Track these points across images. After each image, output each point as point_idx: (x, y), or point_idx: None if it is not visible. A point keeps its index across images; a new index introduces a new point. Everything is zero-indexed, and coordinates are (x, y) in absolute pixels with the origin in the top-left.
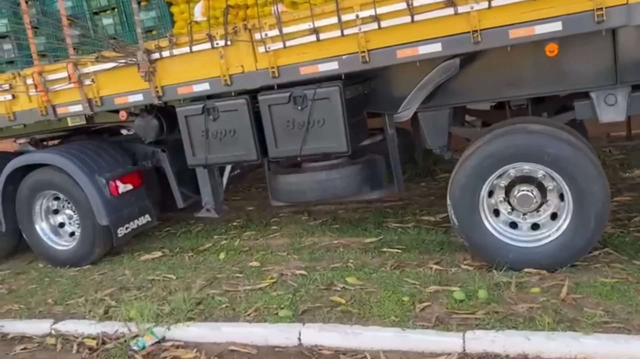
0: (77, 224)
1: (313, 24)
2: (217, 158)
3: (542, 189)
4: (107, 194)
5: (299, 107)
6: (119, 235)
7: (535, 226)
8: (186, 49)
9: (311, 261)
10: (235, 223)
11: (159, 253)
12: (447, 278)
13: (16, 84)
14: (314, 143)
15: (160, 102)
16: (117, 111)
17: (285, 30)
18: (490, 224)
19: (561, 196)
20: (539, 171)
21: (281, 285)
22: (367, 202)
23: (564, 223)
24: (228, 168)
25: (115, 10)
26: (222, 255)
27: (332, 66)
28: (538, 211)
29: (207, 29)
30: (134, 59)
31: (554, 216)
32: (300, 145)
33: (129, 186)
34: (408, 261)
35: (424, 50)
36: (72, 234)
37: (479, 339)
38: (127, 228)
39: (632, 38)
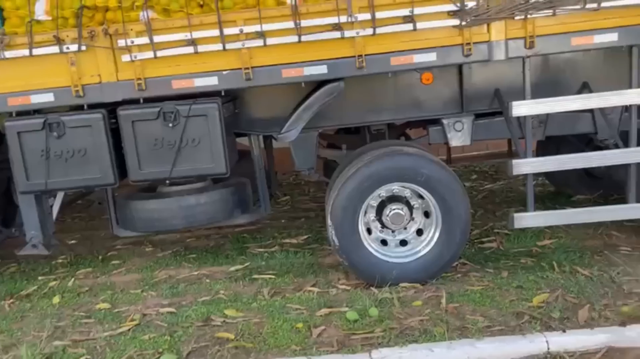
0: None
1: (190, 34)
2: (61, 182)
3: (409, 207)
4: None
5: (170, 124)
6: None
7: (403, 243)
8: (23, 52)
9: (174, 296)
10: (60, 260)
11: None
12: (331, 300)
13: None
14: (187, 164)
15: None
16: None
17: (157, 39)
18: (368, 243)
19: (426, 214)
20: (406, 190)
21: (147, 326)
22: (218, 229)
23: (432, 238)
24: (61, 195)
25: None
26: (55, 299)
27: (211, 81)
28: (405, 228)
29: (52, 29)
30: None
31: (419, 232)
32: (170, 166)
33: None
34: (284, 287)
35: (310, 71)
36: None
37: (386, 357)
38: None
39: (474, 72)
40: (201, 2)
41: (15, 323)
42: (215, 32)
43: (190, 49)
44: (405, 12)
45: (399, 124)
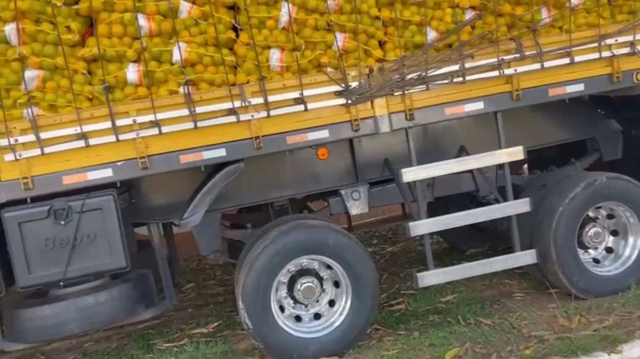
0: None
1: (81, 128)
2: None
3: (319, 279)
4: None
5: (62, 222)
6: None
7: (317, 316)
8: None
9: None
10: None
11: None
12: None
13: None
14: (83, 262)
15: None
16: None
17: (44, 135)
18: (282, 321)
19: (336, 284)
20: (315, 262)
21: None
22: (119, 328)
23: (344, 308)
24: None
25: None
26: None
27: (105, 173)
28: (318, 301)
29: None
30: None
31: (331, 303)
32: (64, 266)
33: None
34: None
35: (209, 155)
36: None
37: None
38: None
39: (364, 145)
40: (90, 96)
41: None
42: (107, 124)
43: (81, 143)
44: (295, 94)
45: (300, 198)
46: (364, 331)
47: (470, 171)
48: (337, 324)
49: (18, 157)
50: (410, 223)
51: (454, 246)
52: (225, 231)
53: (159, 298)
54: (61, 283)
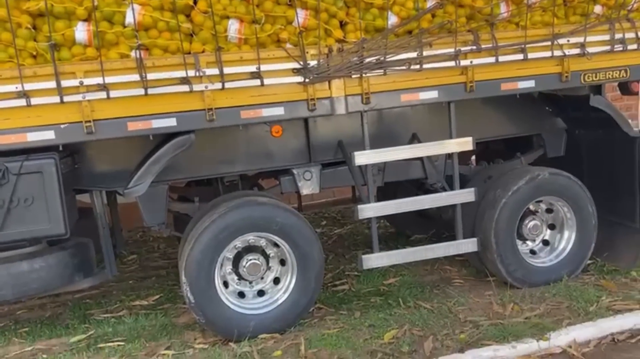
0: None
1: (22, 86)
2: None
3: (265, 257)
4: None
5: None
6: None
7: (260, 293)
8: None
9: None
10: None
11: None
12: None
13: None
14: (18, 226)
15: None
16: None
17: None
18: (225, 297)
19: (282, 262)
20: (262, 239)
21: None
22: (55, 296)
23: (288, 286)
24: None
25: None
26: None
27: (46, 135)
28: (262, 278)
29: None
30: None
31: (276, 281)
32: None
33: None
34: (135, 353)
35: (159, 124)
36: None
37: None
38: None
39: (319, 126)
40: (34, 53)
41: None
42: (52, 84)
43: (22, 102)
44: (252, 68)
45: (251, 175)
46: (307, 310)
47: (421, 158)
48: (280, 302)
49: None
50: (359, 206)
51: (400, 232)
52: (172, 204)
53: (99, 268)
54: None
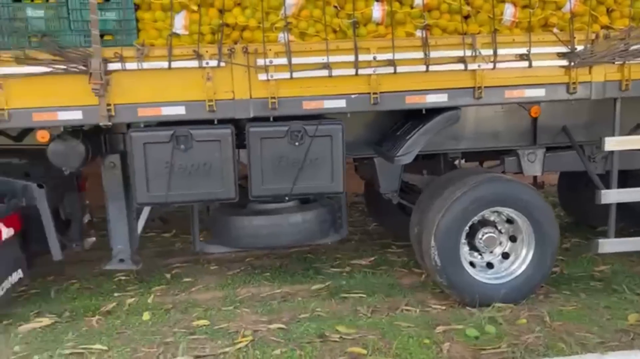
0: None
1: (327, 58)
2: (182, 195)
3: (498, 231)
4: None
5: (296, 143)
6: None
7: (489, 265)
8: (161, 64)
9: (270, 313)
10: (122, 278)
11: (47, 320)
12: (437, 318)
13: None
14: (306, 182)
15: (108, 123)
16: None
17: (294, 60)
18: (467, 264)
19: (512, 238)
20: (494, 214)
21: (265, 342)
22: (271, 250)
23: (524, 260)
24: (146, 211)
25: (50, 1)
26: (146, 316)
27: (338, 104)
28: (492, 251)
29: (188, 44)
30: (83, 67)
31: (504, 255)
32: (291, 183)
33: (12, 232)
34: (379, 306)
35: (432, 99)
36: None
37: None
38: (2, 289)
39: (545, 109)
40: (336, 29)
41: (114, 340)
42: (349, 58)
43: (324, 72)
44: (522, 50)
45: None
46: (539, 285)
47: None
48: (516, 274)
49: (269, 78)
50: (602, 191)
51: (580, 222)
52: (404, 175)
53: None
54: (286, 198)
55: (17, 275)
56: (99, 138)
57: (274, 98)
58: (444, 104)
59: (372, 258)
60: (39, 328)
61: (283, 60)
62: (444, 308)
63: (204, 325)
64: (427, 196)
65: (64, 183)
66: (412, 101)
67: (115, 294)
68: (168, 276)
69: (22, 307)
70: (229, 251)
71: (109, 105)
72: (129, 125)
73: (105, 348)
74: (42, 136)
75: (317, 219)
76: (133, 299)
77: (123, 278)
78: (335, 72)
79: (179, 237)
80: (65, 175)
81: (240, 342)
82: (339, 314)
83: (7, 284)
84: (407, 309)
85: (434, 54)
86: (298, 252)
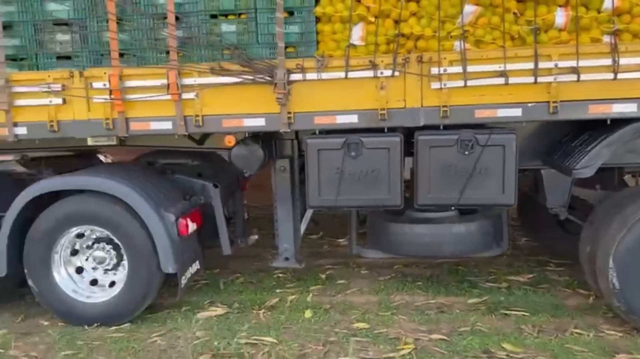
0: (123, 271)
1: (504, 66)
2: (349, 200)
3: None
4: (175, 234)
5: (465, 152)
6: (182, 285)
7: None
8: (337, 74)
9: (428, 323)
10: (280, 275)
11: (220, 309)
12: (616, 345)
13: (72, 86)
14: (475, 192)
15: (287, 129)
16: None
17: (468, 69)
18: None
19: None
20: None
21: (428, 352)
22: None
23: None
24: (309, 212)
25: (242, 16)
26: (307, 313)
27: (514, 112)
28: None
29: (363, 54)
30: (269, 78)
31: None
32: (458, 193)
33: (195, 226)
34: (545, 326)
35: (618, 108)
36: (112, 284)
37: None
38: (185, 278)
39: None
40: (515, 36)
41: (282, 334)
42: (527, 65)
43: (500, 80)
44: None
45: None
46: None
47: None
48: None
49: (442, 86)
50: None
51: None
52: (575, 189)
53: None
54: (452, 207)
55: (196, 266)
56: (271, 144)
57: (445, 106)
58: (633, 115)
59: (531, 275)
60: (214, 316)
61: (457, 69)
62: (620, 334)
63: (364, 328)
64: (603, 212)
65: (231, 183)
66: (596, 111)
67: (277, 290)
68: (323, 276)
69: (196, 296)
70: (386, 257)
71: (289, 113)
72: (296, 133)
73: (275, 341)
74: (229, 141)
75: (481, 231)
76: (294, 296)
77: (281, 275)
78: (511, 80)
79: (325, 239)
80: (232, 176)
81: (403, 349)
82: (501, 331)
83: (188, 273)
84: (577, 333)
85: (623, 61)
86: (448, 263)
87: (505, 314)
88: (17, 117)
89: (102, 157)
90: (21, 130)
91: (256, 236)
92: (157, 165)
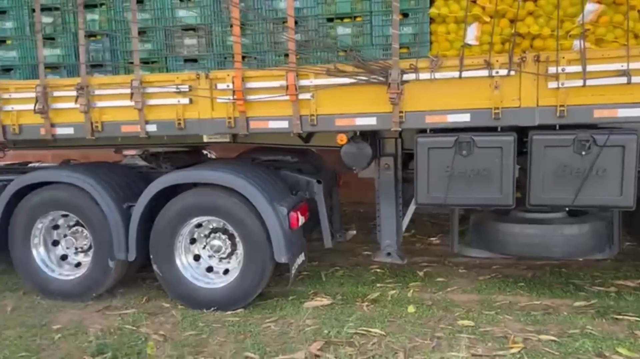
0: (236, 259)
1: (627, 65)
2: (459, 199)
3: None
4: (286, 226)
5: (582, 152)
6: (292, 275)
7: None
8: (451, 74)
9: (535, 324)
10: (377, 270)
11: (326, 300)
12: None
13: (199, 87)
14: (590, 193)
15: (399, 128)
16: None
17: (588, 68)
18: None
19: None
20: None
21: (538, 352)
22: (516, 260)
23: None
24: (412, 209)
25: (357, 19)
26: (410, 308)
27: (636, 112)
28: None
29: (477, 54)
30: (382, 78)
31: None
32: (573, 194)
33: (303, 219)
34: None
35: None
36: (225, 271)
37: None
38: (294, 268)
39: None
40: (638, 34)
41: (389, 326)
42: None
43: (622, 80)
44: None
45: None
46: None
47: None
48: None
49: (560, 86)
50: None
51: None
52: None
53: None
54: (566, 208)
55: (302, 257)
56: (376, 142)
57: (562, 106)
58: None
59: (638, 281)
60: (320, 306)
61: (575, 68)
62: None
63: (469, 326)
64: None
65: (329, 180)
66: None
67: (377, 284)
68: (420, 273)
69: (301, 286)
70: (491, 256)
71: (401, 112)
72: (400, 132)
73: (382, 333)
74: (341, 139)
75: (593, 233)
76: (394, 291)
77: (378, 270)
78: (634, 79)
79: (416, 237)
80: (330, 172)
81: (512, 348)
82: (614, 335)
83: (296, 264)
84: None
85: None
86: (550, 265)
87: (617, 319)
88: (149, 116)
89: (206, 153)
90: (152, 127)
91: (354, 232)
92: (260, 161)
